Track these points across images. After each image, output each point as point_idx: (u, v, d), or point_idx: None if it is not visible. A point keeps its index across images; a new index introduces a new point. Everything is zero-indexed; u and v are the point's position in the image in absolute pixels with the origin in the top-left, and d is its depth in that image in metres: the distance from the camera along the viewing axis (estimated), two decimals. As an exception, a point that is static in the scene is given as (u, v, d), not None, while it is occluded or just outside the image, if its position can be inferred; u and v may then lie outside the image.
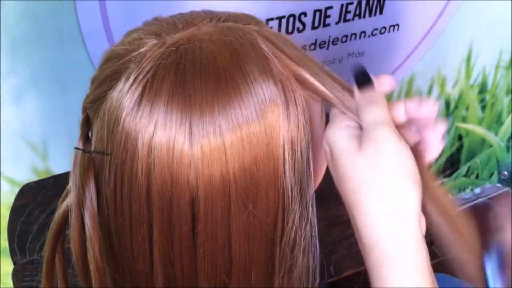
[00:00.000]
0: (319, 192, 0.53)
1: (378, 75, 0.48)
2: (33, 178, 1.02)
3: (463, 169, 1.65)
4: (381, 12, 1.16)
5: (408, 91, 1.36)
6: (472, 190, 1.73)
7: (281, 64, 0.46)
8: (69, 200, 0.50)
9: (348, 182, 0.46)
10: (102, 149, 0.46)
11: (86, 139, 0.50)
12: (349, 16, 1.12)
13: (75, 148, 0.49)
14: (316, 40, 1.13)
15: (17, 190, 0.97)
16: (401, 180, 0.44)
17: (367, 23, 1.16)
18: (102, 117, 0.46)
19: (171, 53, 0.44)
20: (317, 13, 1.08)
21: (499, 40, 1.41)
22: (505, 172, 1.70)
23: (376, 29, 1.18)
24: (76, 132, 0.50)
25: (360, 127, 0.47)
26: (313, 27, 1.10)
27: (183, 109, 0.43)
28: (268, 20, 1.04)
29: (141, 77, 0.44)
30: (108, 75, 0.47)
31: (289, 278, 0.51)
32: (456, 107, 1.49)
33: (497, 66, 1.47)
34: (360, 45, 1.20)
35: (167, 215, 0.45)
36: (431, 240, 1.10)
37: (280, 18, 1.05)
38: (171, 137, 0.43)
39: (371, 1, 1.12)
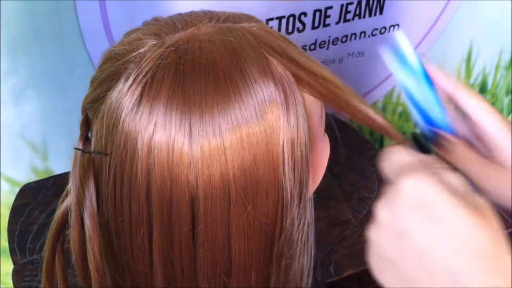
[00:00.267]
0: (319, 192, 0.53)
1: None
2: (33, 178, 1.02)
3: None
4: (381, 12, 1.16)
5: (408, 91, 1.36)
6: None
7: (281, 65, 0.46)
8: (68, 200, 0.50)
9: None
10: (102, 149, 0.46)
11: (85, 139, 0.50)
12: (349, 16, 1.12)
13: (75, 148, 0.49)
14: (316, 40, 1.13)
15: (17, 190, 0.97)
16: None
17: (367, 23, 1.16)
18: (101, 117, 0.46)
19: (170, 53, 0.44)
20: (317, 13, 1.08)
21: (499, 40, 1.41)
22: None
23: (376, 29, 1.19)
24: (76, 132, 0.50)
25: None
26: (313, 27, 1.10)
27: (182, 110, 0.43)
28: (268, 20, 1.04)
29: (140, 77, 0.44)
30: (107, 76, 0.47)
31: (285, 278, 0.51)
32: (456, 107, 1.49)
33: (497, 66, 1.47)
34: (360, 45, 1.20)
35: (167, 215, 0.45)
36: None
37: (280, 18, 1.05)
38: (170, 137, 0.43)
39: (371, 1, 1.13)
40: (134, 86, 0.44)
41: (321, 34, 1.12)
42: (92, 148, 0.48)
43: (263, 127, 0.44)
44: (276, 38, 0.48)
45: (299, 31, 1.09)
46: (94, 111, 0.48)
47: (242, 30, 0.47)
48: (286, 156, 0.45)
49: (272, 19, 1.04)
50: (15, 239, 0.88)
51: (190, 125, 0.43)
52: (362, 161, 1.03)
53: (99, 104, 0.47)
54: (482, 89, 1.50)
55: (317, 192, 0.52)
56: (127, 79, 0.45)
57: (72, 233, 0.50)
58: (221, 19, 0.48)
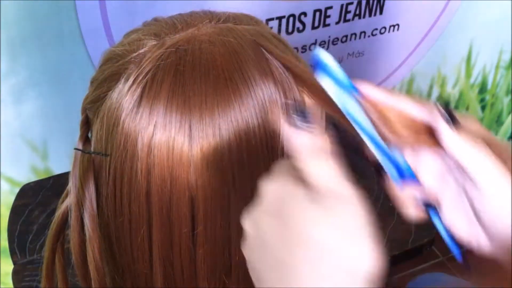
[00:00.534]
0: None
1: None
2: (33, 178, 1.02)
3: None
4: (381, 12, 1.16)
5: (408, 91, 1.36)
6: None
7: (281, 66, 0.46)
8: (68, 200, 0.50)
9: None
10: (102, 149, 0.46)
11: (85, 139, 0.50)
12: (349, 16, 1.12)
13: (75, 148, 0.49)
14: (316, 40, 1.13)
15: (17, 190, 0.97)
16: None
17: (367, 23, 1.16)
18: (101, 117, 0.46)
19: (170, 54, 0.44)
20: (317, 13, 1.08)
21: (499, 40, 1.41)
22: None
23: (376, 29, 1.19)
24: (76, 132, 0.50)
25: None
26: (313, 27, 1.10)
27: (182, 110, 0.43)
28: (268, 20, 1.04)
29: (140, 78, 0.44)
30: (107, 76, 0.47)
31: None
32: (456, 107, 1.49)
33: (497, 66, 1.47)
34: (360, 45, 1.20)
35: (167, 216, 0.45)
36: (431, 240, 1.10)
37: (280, 18, 1.05)
38: (170, 138, 0.43)
39: (371, 1, 1.13)
40: (134, 87, 0.44)
41: (321, 34, 1.12)
42: (92, 149, 0.48)
43: (263, 128, 0.44)
44: (276, 38, 0.48)
45: (299, 31, 1.09)
46: (94, 111, 0.48)
47: (242, 31, 0.47)
48: (286, 156, 0.45)
49: (272, 19, 1.04)
50: (15, 239, 0.88)
51: (190, 126, 0.43)
52: (362, 161, 1.03)
53: (99, 104, 0.47)
54: (482, 89, 1.50)
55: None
56: (127, 79, 0.45)
57: (72, 234, 0.50)
58: (222, 20, 0.48)
